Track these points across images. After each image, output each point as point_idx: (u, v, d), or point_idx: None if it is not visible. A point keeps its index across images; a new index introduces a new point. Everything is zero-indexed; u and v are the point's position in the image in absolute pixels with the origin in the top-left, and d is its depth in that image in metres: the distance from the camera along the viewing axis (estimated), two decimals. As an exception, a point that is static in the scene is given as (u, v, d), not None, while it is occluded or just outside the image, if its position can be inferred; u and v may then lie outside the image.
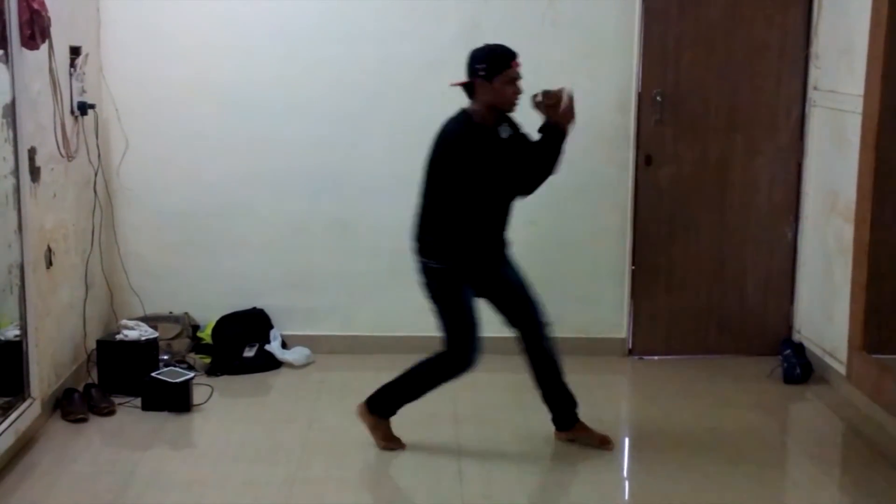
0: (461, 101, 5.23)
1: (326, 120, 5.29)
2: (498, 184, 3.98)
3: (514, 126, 4.07)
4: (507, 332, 5.35)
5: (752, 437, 4.41)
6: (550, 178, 4.09)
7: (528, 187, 4.05)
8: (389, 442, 4.17)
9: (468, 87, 3.97)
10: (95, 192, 5.02)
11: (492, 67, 3.90)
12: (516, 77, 3.94)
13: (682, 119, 5.27)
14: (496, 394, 4.87)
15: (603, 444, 4.20)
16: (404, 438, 4.28)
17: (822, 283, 5.11)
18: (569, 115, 3.98)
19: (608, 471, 4.12)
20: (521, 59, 3.98)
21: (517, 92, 3.94)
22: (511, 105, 3.96)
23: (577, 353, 5.36)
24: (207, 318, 5.34)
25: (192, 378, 4.65)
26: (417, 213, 4.07)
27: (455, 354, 4.06)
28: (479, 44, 5.16)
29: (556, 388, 4.21)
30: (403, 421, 4.50)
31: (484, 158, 3.92)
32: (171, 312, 5.32)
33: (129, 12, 5.15)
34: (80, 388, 4.62)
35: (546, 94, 3.97)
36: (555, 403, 4.23)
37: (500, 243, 4.12)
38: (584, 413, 4.37)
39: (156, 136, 5.26)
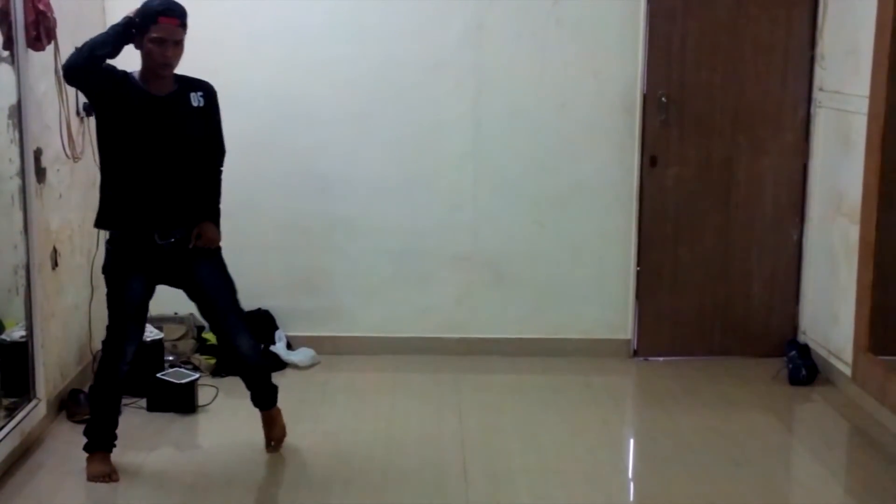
0: (466, 101, 5.27)
1: (332, 121, 5.29)
2: (135, 150, 3.73)
3: (211, 98, 3.91)
4: (508, 334, 5.41)
5: (757, 438, 4.40)
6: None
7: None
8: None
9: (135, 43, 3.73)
10: (101, 193, 5.02)
11: (141, 23, 3.66)
12: (161, 37, 3.66)
13: (687, 120, 5.27)
14: (501, 396, 4.86)
15: (272, 442, 4.14)
16: (409, 439, 4.29)
17: (827, 285, 5.11)
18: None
19: (613, 471, 4.12)
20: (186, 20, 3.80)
21: (162, 55, 3.67)
22: (162, 68, 3.70)
23: (581, 354, 5.37)
24: (212, 319, 5.34)
25: (197, 379, 4.66)
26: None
27: (108, 342, 3.92)
28: (484, 44, 5.22)
29: (257, 383, 4.12)
30: (409, 420, 4.50)
31: (118, 108, 3.70)
32: (176, 313, 5.32)
33: (134, 13, 5.15)
34: (86, 389, 4.62)
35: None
36: (253, 391, 4.15)
37: (164, 220, 3.81)
38: (589, 415, 4.37)
39: (161, 137, 5.25)
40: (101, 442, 3.92)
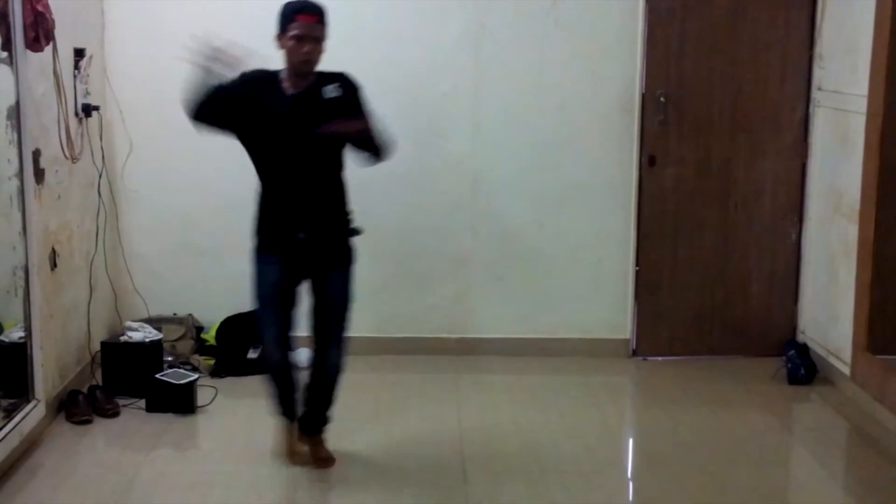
0: (466, 102, 5.27)
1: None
2: (271, 148, 3.80)
3: (349, 87, 3.82)
4: (507, 334, 5.41)
5: (756, 438, 4.41)
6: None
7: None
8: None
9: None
10: (100, 193, 5.02)
11: (280, 21, 3.73)
12: (300, 33, 3.69)
13: (685, 119, 5.27)
14: (500, 396, 4.87)
15: (322, 462, 4.06)
16: (408, 439, 4.30)
17: (826, 284, 5.11)
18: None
19: (612, 472, 4.12)
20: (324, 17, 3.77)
21: (303, 49, 3.70)
22: (300, 63, 3.73)
23: (580, 353, 5.38)
24: (211, 320, 5.34)
25: (196, 379, 4.65)
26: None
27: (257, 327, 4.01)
28: (483, 45, 5.22)
29: (320, 402, 4.06)
30: (409, 422, 4.51)
31: (256, 112, 3.76)
32: (175, 314, 5.33)
33: (133, 14, 5.15)
34: (85, 390, 4.63)
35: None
36: (310, 411, 4.09)
37: (308, 218, 3.86)
38: (588, 414, 4.38)
39: (160, 137, 5.26)
40: (289, 411, 4.06)
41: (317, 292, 3.98)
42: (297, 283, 3.97)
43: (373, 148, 3.84)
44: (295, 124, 3.75)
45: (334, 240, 3.94)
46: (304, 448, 4.09)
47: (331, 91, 3.78)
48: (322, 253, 3.91)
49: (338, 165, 3.90)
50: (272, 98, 3.77)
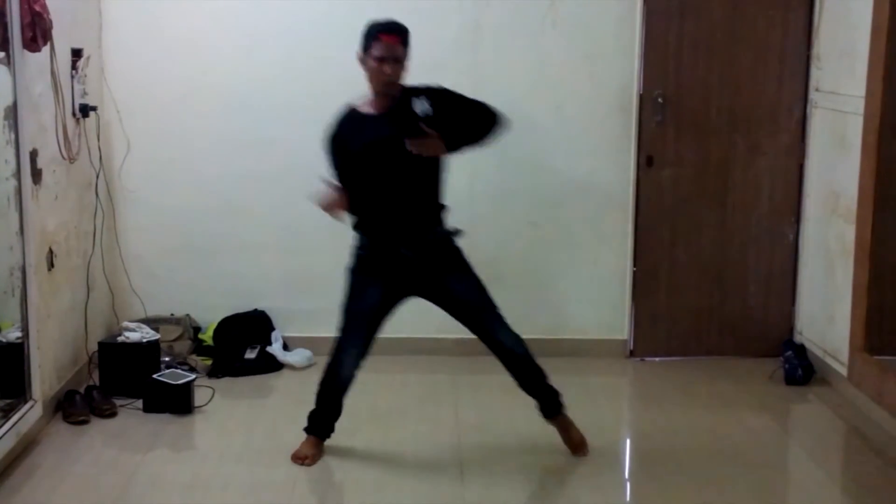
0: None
1: (328, 121, 5.27)
2: (365, 171, 3.83)
3: (439, 98, 3.75)
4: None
5: (753, 438, 4.41)
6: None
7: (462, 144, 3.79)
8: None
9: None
10: (97, 194, 5.02)
11: (364, 42, 3.78)
12: (382, 55, 3.73)
13: (683, 120, 5.27)
14: (498, 397, 4.86)
15: (576, 448, 4.11)
16: (406, 440, 4.30)
17: (823, 285, 5.11)
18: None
19: (610, 472, 4.12)
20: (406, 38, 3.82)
21: (384, 72, 3.73)
22: (381, 86, 3.76)
23: (578, 354, 5.38)
24: (209, 320, 5.34)
25: (193, 380, 4.65)
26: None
27: (334, 346, 4.04)
28: (481, 45, 5.22)
29: (535, 384, 4.10)
30: (406, 422, 4.51)
31: (347, 147, 3.84)
32: (172, 314, 5.33)
33: (130, 14, 5.15)
34: (82, 390, 4.62)
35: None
36: (535, 397, 4.13)
37: (406, 235, 3.88)
38: (586, 415, 4.38)
39: (157, 137, 5.26)
40: (317, 428, 4.11)
41: (445, 301, 4.01)
42: (397, 304, 4.01)
43: (477, 136, 3.81)
44: (385, 145, 3.75)
45: (436, 250, 3.94)
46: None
47: (421, 106, 3.70)
48: (428, 267, 3.92)
49: (435, 175, 3.90)
50: (359, 131, 3.83)
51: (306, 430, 4.13)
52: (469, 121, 3.78)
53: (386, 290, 3.94)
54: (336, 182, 3.91)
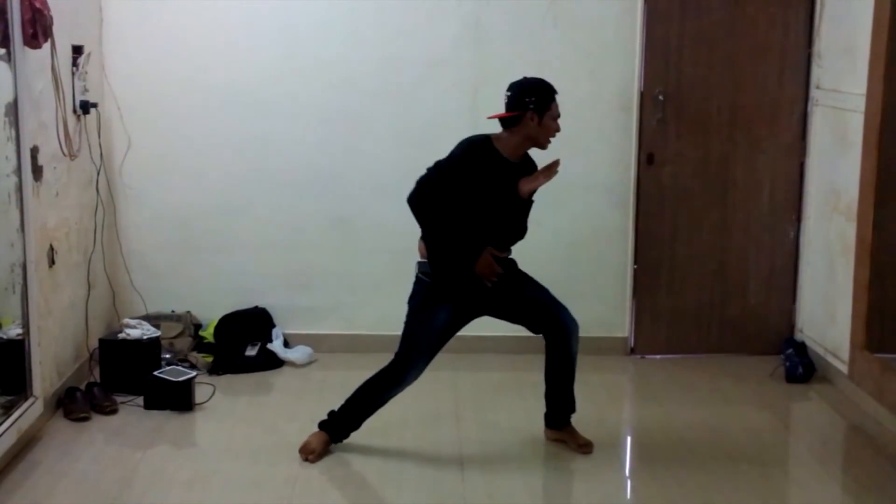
0: (460, 100, 5.26)
1: (328, 119, 5.29)
2: (488, 218, 3.96)
3: (530, 165, 4.04)
4: (505, 332, 5.38)
5: (754, 436, 4.41)
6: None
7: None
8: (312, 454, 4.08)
9: (514, 119, 3.92)
10: (98, 190, 5.02)
11: (541, 101, 3.90)
12: (558, 114, 3.94)
13: (684, 118, 5.27)
14: (499, 394, 4.87)
15: (582, 448, 4.16)
16: (406, 437, 4.30)
17: (824, 282, 5.11)
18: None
19: (610, 470, 4.12)
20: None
21: (558, 129, 3.95)
22: (549, 142, 3.96)
23: (579, 351, 5.36)
24: (209, 317, 5.34)
25: (194, 377, 4.65)
26: None
27: (396, 364, 4.07)
28: (482, 43, 5.22)
29: (564, 390, 4.19)
30: (406, 421, 4.51)
31: (480, 186, 3.90)
32: (173, 311, 5.32)
33: (131, 11, 5.15)
34: (83, 387, 4.62)
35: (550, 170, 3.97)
36: (555, 403, 4.22)
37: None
38: (586, 412, 4.38)
39: (158, 134, 5.26)
40: (333, 429, 4.13)
41: (515, 309, 4.13)
42: (461, 326, 4.13)
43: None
44: (513, 194, 3.96)
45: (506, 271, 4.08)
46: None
47: (526, 163, 4.03)
48: (496, 285, 4.03)
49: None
50: (498, 170, 3.93)
51: (322, 424, 4.13)
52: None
53: (454, 313, 4.06)
54: (441, 198, 3.97)
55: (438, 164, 3.98)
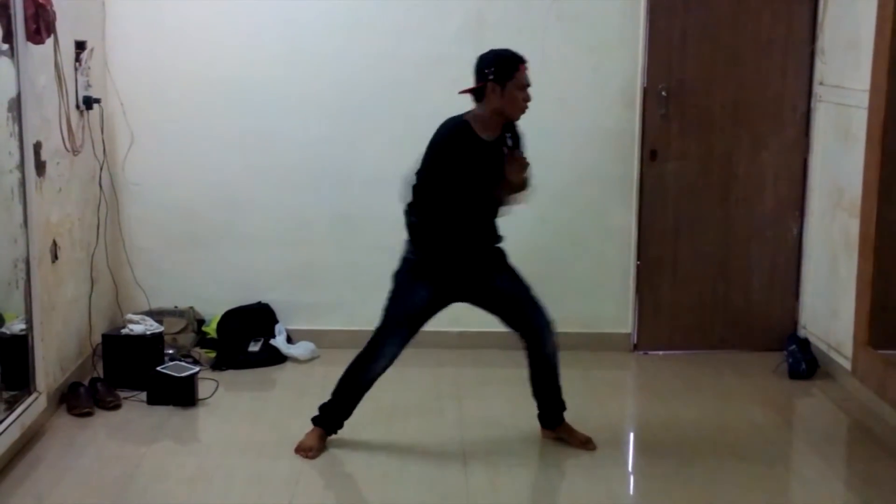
0: (466, 96, 5.25)
1: (331, 114, 5.29)
2: (471, 193, 3.92)
3: (515, 137, 3.99)
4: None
5: (757, 432, 4.41)
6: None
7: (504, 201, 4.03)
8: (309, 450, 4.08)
9: (477, 92, 3.89)
10: (101, 186, 5.02)
11: (501, 71, 3.83)
12: (525, 83, 3.87)
13: (687, 114, 5.26)
14: (501, 390, 4.87)
15: (585, 445, 4.15)
16: (410, 433, 4.31)
17: (827, 279, 5.11)
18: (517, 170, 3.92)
19: (613, 466, 4.12)
20: (528, 64, 3.92)
21: (527, 98, 3.88)
22: (520, 112, 3.90)
23: (581, 348, 5.37)
24: (212, 313, 5.35)
25: (197, 372, 4.66)
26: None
27: (373, 339, 4.08)
28: (484, 38, 5.21)
29: (549, 389, 4.18)
30: (409, 417, 4.51)
31: (463, 168, 3.87)
32: (176, 307, 5.33)
33: (134, 7, 5.15)
34: (86, 382, 4.63)
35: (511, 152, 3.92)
36: (544, 403, 4.21)
37: (476, 250, 4.02)
38: (589, 409, 4.39)
39: (161, 130, 5.26)
40: (326, 422, 4.12)
41: (491, 301, 4.08)
42: (440, 308, 4.08)
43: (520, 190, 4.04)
44: (490, 171, 3.89)
45: (485, 255, 4.07)
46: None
47: (507, 140, 3.92)
48: (476, 271, 4.03)
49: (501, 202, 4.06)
50: (473, 148, 3.88)
51: (314, 420, 4.14)
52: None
53: (435, 293, 4.01)
54: (431, 186, 3.95)
55: (424, 164, 3.94)
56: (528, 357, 4.14)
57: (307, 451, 4.05)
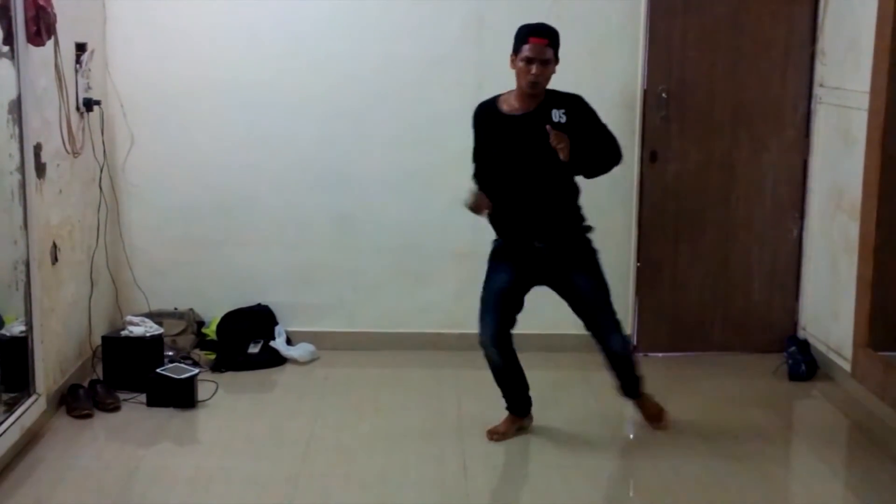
0: (463, 97, 5.26)
1: (331, 116, 5.29)
2: (497, 168, 4.04)
3: (575, 112, 3.99)
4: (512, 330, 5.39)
5: (756, 434, 4.40)
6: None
7: (587, 171, 4.09)
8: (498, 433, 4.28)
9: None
10: (101, 188, 5.02)
11: (515, 44, 3.96)
12: (528, 55, 3.89)
13: (687, 115, 5.26)
14: (498, 393, 4.86)
15: (654, 420, 4.39)
16: (409, 435, 4.31)
17: (827, 281, 5.11)
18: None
19: (613, 467, 4.12)
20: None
21: (530, 71, 3.89)
22: (526, 84, 3.92)
23: (581, 349, 5.33)
24: (212, 315, 5.35)
25: (196, 374, 4.66)
26: None
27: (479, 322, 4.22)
28: (484, 40, 5.22)
29: (624, 371, 4.32)
30: (408, 416, 4.51)
31: (484, 144, 4.05)
32: (175, 308, 5.33)
33: (134, 9, 5.15)
34: (86, 384, 4.63)
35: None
36: (619, 379, 4.35)
37: (540, 229, 4.09)
38: (589, 410, 4.38)
39: (161, 132, 5.26)
40: (514, 406, 4.32)
41: (567, 294, 4.20)
42: (527, 289, 4.21)
43: (599, 162, 4.08)
44: (521, 145, 3.97)
45: (569, 245, 4.12)
46: (514, 428, 4.32)
47: (557, 115, 3.95)
48: (558, 260, 4.12)
49: (569, 177, 4.09)
50: (497, 125, 4.03)
51: (508, 407, 4.33)
52: (596, 152, 4.04)
53: (516, 275, 4.14)
54: (479, 168, 4.13)
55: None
56: (604, 354, 4.28)
57: (494, 433, 4.25)
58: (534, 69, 3.88)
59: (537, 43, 3.90)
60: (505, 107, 4.02)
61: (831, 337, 5.05)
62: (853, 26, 4.79)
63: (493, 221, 4.16)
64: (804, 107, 5.27)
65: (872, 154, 4.52)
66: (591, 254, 4.18)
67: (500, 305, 4.15)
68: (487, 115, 4.05)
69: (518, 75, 3.94)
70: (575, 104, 4.02)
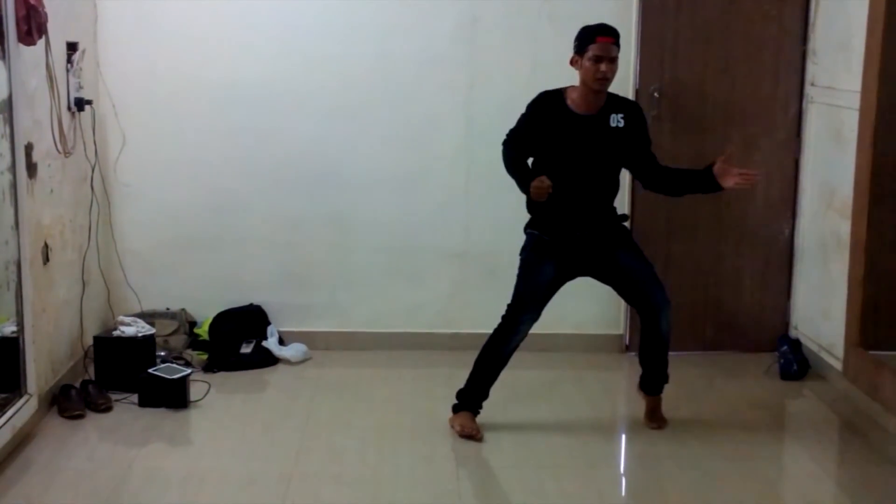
0: (459, 96, 5.27)
1: (325, 116, 5.28)
2: (554, 163, 4.10)
3: (634, 118, 4.16)
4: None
5: (748, 433, 4.41)
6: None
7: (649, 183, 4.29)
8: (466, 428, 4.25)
9: (574, 65, 4.13)
10: (92, 188, 5.01)
11: (580, 44, 4.07)
12: (599, 54, 4.00)
13: (679, 115, 5.27)
14: (493, 392, 4.86)
15: (651, 423, 4.40)
16: (401, 435, 4.30)
17: (818, 280, 5.12)
18: None
19: (605, 467, 4.13)
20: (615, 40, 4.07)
21: (598, 70, 4.00)
22: (594, 83, 4.03)
23: (574, 349, 5.39)
24: (204, 315, 5.34)
25: (188, 374, 4.65)
26: None
27: (507, 317, 4.24)
28: (477, 40, 5.22)
29: (657, 361, 4.33)
30: (401, 416, 4.51)
31: (542, 135, 4.11)
32: (168, 309, 5.32)
33: (126, 8, 5.14)
34: (77, 385, 4.62)
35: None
36: (648, 371, 4.38)
37: (584, 225, 4.17)
38: (581, 410, 4.38)
39: (153, 131, 5.25)
40: (469, 403, 4.31)
41: (616, 276, 4.25)
42: (566, 281, 4.26)
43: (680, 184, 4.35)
44: (586, 146, 4.11)
45: (608, 232, 4.24)
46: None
47: (616, 120, 4.14)
48: (601, 244, 4.21)
49: (616, 178, 4.28)
50: (562, 120, 4.13)
51: (455, 407, 4.31)
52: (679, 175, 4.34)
53: (559, 267, 4.19)
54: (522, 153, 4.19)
55: (521, 116, 4.22)
56: (643, 331, 4.29)
57: (475, 431, 4.20)
58: (602, 66, 4.01)
59: (605, 42, 4.03)
60: (569, 102, 4.12)
61: (823, 336, 5.06)
62: (844, 26, 4.80)
63: (541, 213, 4.19)
64: (796, 106, 5.28)
65: (864, 153, 4.53)
66: (627, 235, 4.33)
67: (543, 300, 4.21)
68: (553, 108, 4.13)
69: (584, 74, 4.06)
70: (634, 111, 4.21)
